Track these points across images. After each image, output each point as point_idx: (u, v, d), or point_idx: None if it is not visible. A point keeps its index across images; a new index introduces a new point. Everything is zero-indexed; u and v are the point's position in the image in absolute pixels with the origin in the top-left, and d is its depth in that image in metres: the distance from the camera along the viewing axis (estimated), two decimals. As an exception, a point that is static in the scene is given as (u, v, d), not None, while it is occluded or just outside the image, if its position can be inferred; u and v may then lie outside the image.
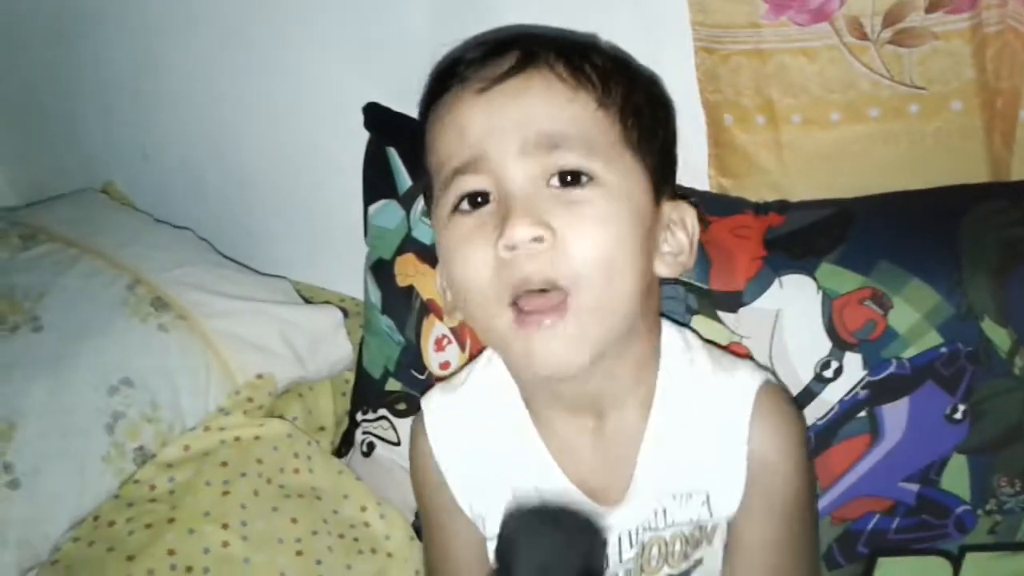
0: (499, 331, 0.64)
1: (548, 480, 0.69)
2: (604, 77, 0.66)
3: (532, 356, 0.62)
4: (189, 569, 0.89)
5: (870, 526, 0.80)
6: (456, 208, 0.65)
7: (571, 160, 0.62)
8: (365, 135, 1.04)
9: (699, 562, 0.71)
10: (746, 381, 0.71)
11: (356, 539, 0.96)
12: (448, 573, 0.78)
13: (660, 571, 0.70)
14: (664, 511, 0.69)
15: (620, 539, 0.69)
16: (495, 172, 0.63)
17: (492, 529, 0.72)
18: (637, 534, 0.69)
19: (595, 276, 0.62)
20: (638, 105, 0.68)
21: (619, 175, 0.64)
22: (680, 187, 0.93)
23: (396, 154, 1.00)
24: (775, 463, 0.69)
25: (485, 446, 0.72)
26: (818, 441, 0.80)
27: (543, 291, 0.61)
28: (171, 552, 0.89)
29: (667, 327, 0.74)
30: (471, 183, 0.64)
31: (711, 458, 0.68)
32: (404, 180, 0.99)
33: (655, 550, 0.70)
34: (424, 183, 0.74)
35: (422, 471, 0.77)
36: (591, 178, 0.63)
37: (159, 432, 1.01)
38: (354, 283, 1.12)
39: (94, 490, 0.96)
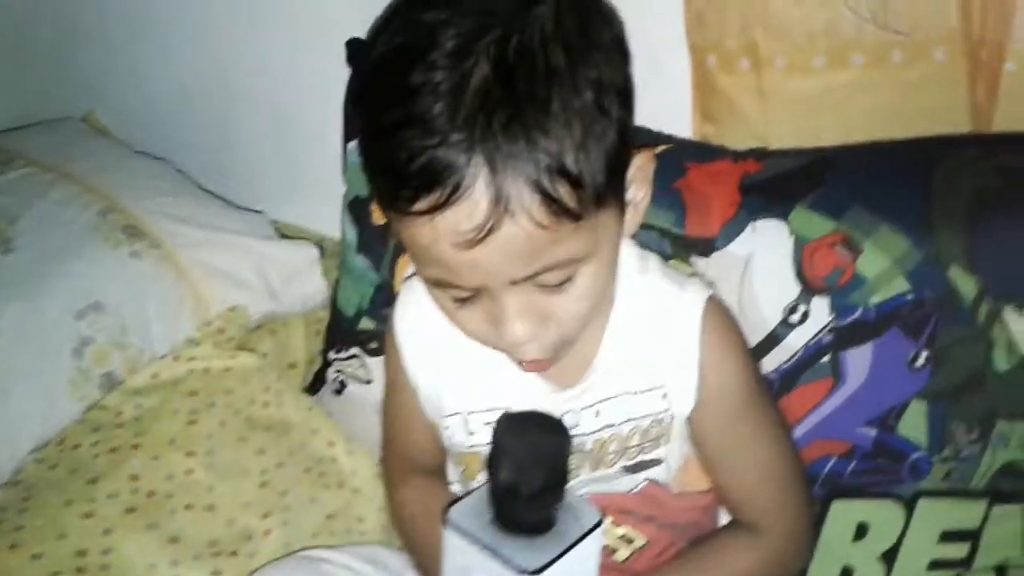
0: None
1: (504, 365, 0.69)
2: (584, 176, 0.57)
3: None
4: (151, 494, 0.89)
5: (827, 469, 0.80)
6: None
7: (557, 277, 0.60)
8: (348, 71, 1.03)
9: (657, 461, 0.73)
10: (697, 292, 0.72)
11: (322, 473, 0.97)
12: (397, 429, 0.83)
13: (616, 464, 0.72)
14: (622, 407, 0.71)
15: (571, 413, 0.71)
16: (481, 289, 0.61)
17: (447, 406, 0.76)
18: (586, 413, 0.71)
19: (581, 328, 0.65)
20: (611, 146, 0.58)
21: (598, 243, 0.61)
22: (660, 134, 0.92)
23: (376, 89, 0.99)
24: (723, 366, 0.71)
25: (445, 333, 0.70)
26: (781, 385, 0.80)
27: None
28: (134, 477, 0.89)
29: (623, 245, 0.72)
30: (455, 294, 0.63)
31: (666, 358, 0.70)
32: (383, 115, 0.98)
33: (613, 445, 0.72)
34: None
35: (389, 346, 0.80)
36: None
37: (128, 358, 1.01)
38: (333, 223, 1.11)
39: (59, 413, 0.96)
